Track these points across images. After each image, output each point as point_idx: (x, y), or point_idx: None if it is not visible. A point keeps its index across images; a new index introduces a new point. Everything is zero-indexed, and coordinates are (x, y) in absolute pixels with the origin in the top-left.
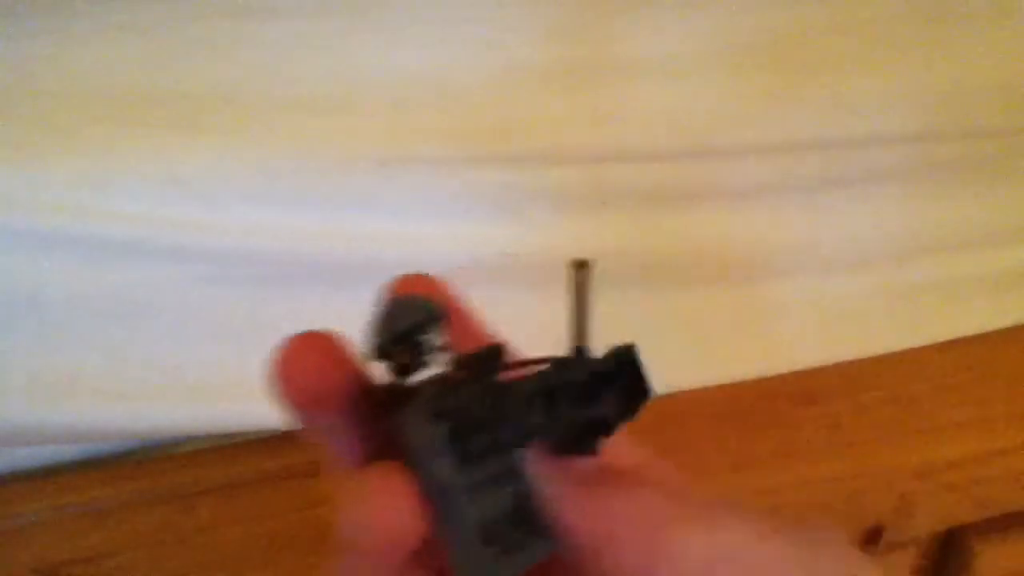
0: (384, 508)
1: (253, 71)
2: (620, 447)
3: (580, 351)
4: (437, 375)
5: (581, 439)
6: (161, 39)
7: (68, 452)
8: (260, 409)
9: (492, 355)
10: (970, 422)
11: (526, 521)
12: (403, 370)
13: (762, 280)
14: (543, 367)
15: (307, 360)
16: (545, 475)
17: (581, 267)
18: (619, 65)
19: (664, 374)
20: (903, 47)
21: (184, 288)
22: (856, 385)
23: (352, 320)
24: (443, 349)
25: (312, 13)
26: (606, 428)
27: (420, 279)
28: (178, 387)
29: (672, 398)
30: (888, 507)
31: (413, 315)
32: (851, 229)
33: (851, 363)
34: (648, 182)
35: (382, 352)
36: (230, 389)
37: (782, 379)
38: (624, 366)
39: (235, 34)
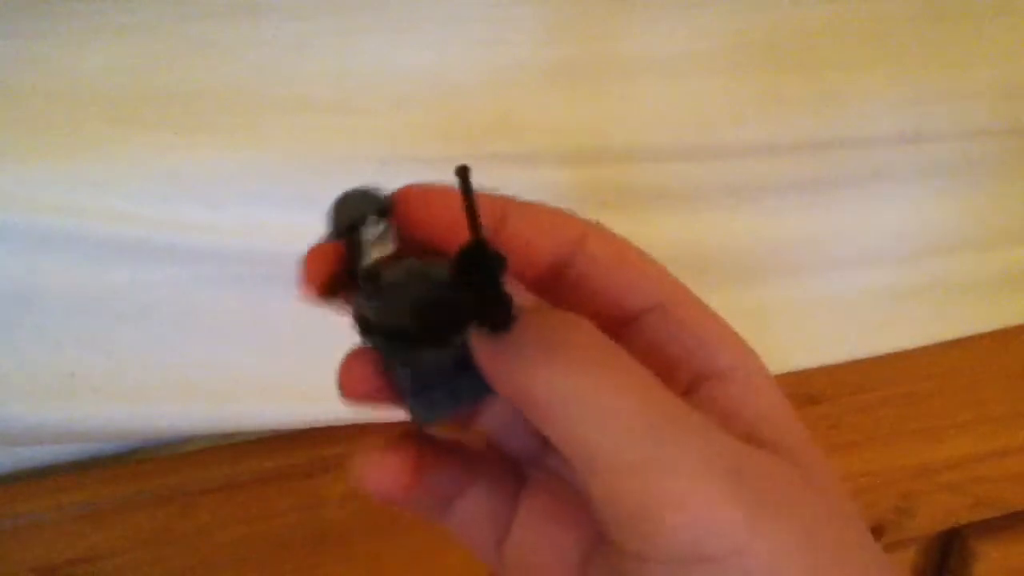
0: (347, 369)
1: (253, 71)
2: None
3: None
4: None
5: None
6: (161, 39)
7: (68, 452)
8: (260, 409)
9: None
10: (970, 422)
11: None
12: (349, 261)
13: (762, 280)
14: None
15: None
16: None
17: (463, 172)
18: (619, 64)
19: None
20: (903, 47)
21: (184, 288)
22: (856, 385)
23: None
24: (386, 239)
25: (312, 13)
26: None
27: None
28: (178, 387)
29: None
30: (888, 507)
31: (354, 208)
32: (851, 229)
33: (851, 363)
34: (648, 182)
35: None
36: (230, 389)
37: (782, 379)
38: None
39: (235, 34)
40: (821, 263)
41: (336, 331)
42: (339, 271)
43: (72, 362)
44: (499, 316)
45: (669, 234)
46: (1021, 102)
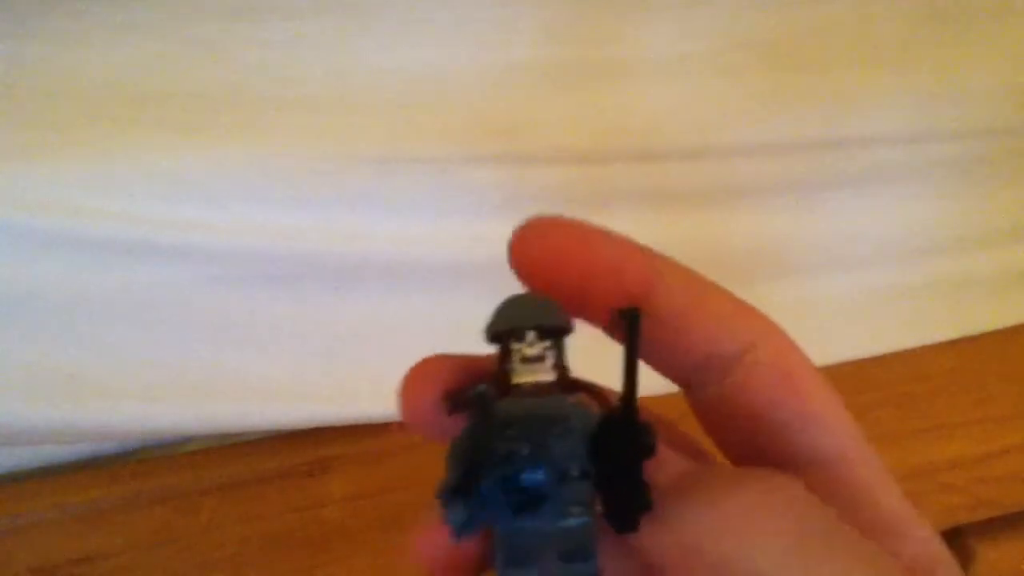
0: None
1: (253, 71)
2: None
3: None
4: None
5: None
6: (161, 39)
7: (68, 452)
8: (260, 409)
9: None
10: (970, 422)
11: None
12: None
13: (761, 280)
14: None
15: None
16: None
17: (630, 316)
18: (619, 65)
19: None
20: (903, 47)
21: (184, 288)
22: (856, 385)
23: (352, 319)
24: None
25: (312, 13)
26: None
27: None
28: (178, 387)
29: (674, 397)
30: None
31: (516, 316)
32: (851, 229)
33: (851, 363)
34: (648, 182)
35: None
36: (230, 389)
37: None
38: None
39: (235, 34)
40: (821, 263)
41: (336, 332)
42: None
43: (72, 362)
44: (629, 513)
45: (668, 234)
46: (1021, 102)
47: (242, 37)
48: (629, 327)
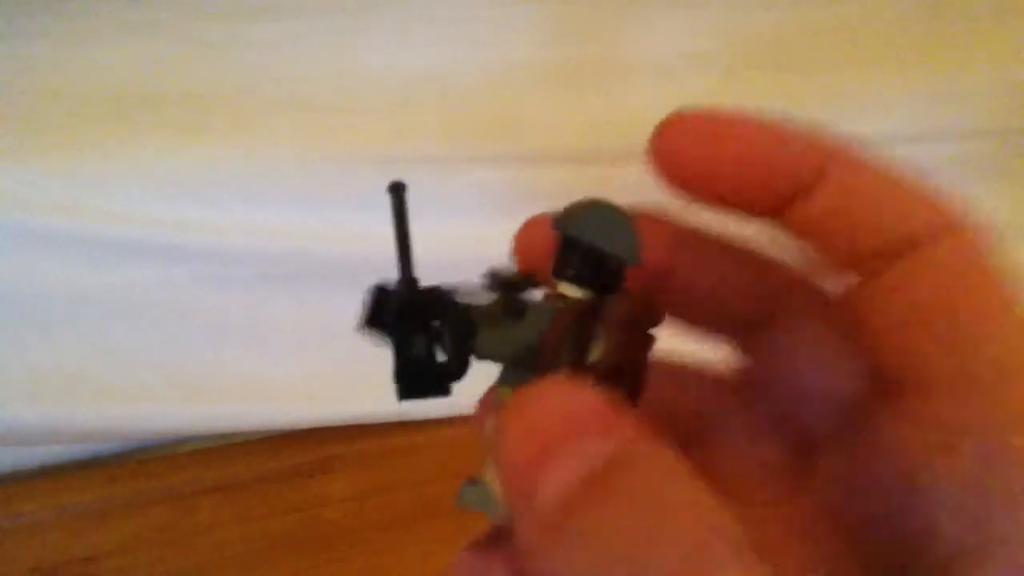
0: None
1: (253, 71)
2: None
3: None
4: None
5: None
6: (161, 39)
7: (68, 452)
8: (260, 409)
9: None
10: None
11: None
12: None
13: None
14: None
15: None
16: None
17: (396, 190)
18: (619, 65)
19: None
20: (903, 47)
21: (184, 288)
22: None
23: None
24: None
25: (312, 13)
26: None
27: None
28: (178, 387)
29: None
30: None
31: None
32: None
33: None
34: (648, 182)
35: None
36: (230, 389)
37: None
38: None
39: (235, 34)
40: None
41: (336, 332)
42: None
43: (72, 362)
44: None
45: None
46: (1021, 102)
47: (242, 38)
48: (394, 200)
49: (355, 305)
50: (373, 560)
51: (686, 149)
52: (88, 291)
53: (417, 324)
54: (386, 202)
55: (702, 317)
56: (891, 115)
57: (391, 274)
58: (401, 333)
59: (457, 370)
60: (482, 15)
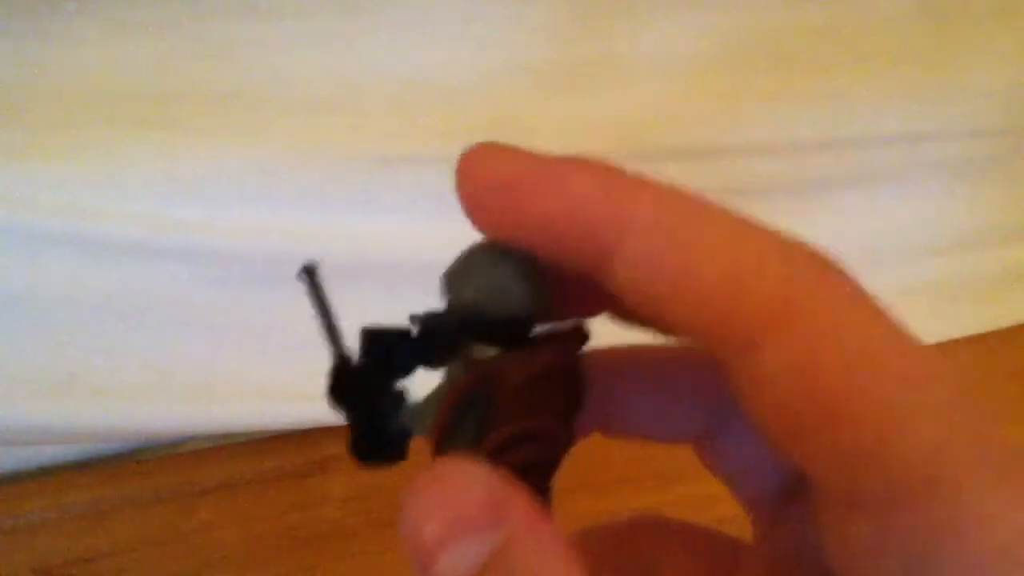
0: None
1: (253, 71)
2: None
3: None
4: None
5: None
6: (162, 39)
7: (68, 452)
8: (260, 409)
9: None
10: None
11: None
12: None
13: None
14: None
15: None
16: None
17: (309, 273)
18: (619, 65)
19: None
20: (903, 47)
21: (184, 288)
22: None
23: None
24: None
25: (313, 13)
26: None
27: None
28: (178, 387)
29: None
30: None
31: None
32: (851, 229)
33: None
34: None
35: None
36: (230, 389)
37: None
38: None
39: (235, 34)
40: None
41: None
42: None
43: (72, 362)
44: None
45: None
46: (1021, 102)
47: (242, 37)
48: (309, 282)
49: (355, 305)
50: (373, 560)
51: (489, 197)
52: (88, 291)
53: (357, 400)
54: (387, 202)
55: (655, 434)
56: (891, 115)
57: (392, 274)
58: (348, 410)
59: (402, 440)
60: (482, 14)
